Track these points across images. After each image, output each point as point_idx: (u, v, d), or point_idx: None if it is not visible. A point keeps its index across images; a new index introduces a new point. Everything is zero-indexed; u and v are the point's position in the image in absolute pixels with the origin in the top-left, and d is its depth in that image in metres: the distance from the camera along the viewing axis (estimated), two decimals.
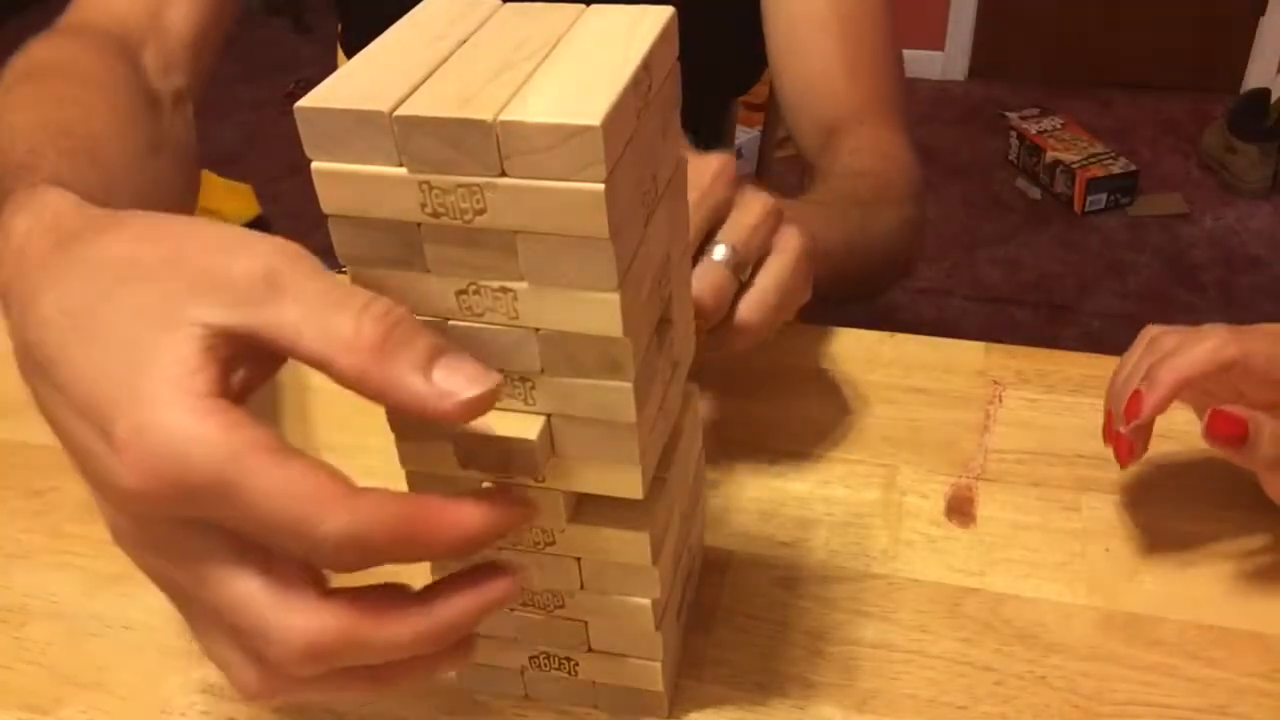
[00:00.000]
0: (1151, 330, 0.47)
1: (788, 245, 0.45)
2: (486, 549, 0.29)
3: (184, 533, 0.28)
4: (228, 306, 0.27)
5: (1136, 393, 0.44)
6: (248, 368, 0.28)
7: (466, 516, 0.28)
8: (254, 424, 0.26)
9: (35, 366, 0.29)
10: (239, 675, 0.30)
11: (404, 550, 0.27)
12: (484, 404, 0.28)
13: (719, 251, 0.43)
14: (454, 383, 0.27)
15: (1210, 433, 0.42)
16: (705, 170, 0.43)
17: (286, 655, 0.27)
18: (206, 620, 0.30)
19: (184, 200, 0.55)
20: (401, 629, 0.28)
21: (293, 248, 0.28)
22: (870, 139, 0.74)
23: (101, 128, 0.47)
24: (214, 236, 0.29)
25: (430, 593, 0.29)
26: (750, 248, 0.44)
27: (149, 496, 0.26)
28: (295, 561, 0.28)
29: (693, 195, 0.42)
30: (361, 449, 0.55)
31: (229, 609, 0.28)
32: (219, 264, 0.27)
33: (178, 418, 0.26)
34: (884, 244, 0.66)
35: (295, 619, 0.27)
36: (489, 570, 0.30)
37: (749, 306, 0.44)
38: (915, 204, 0.73)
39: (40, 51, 0.53)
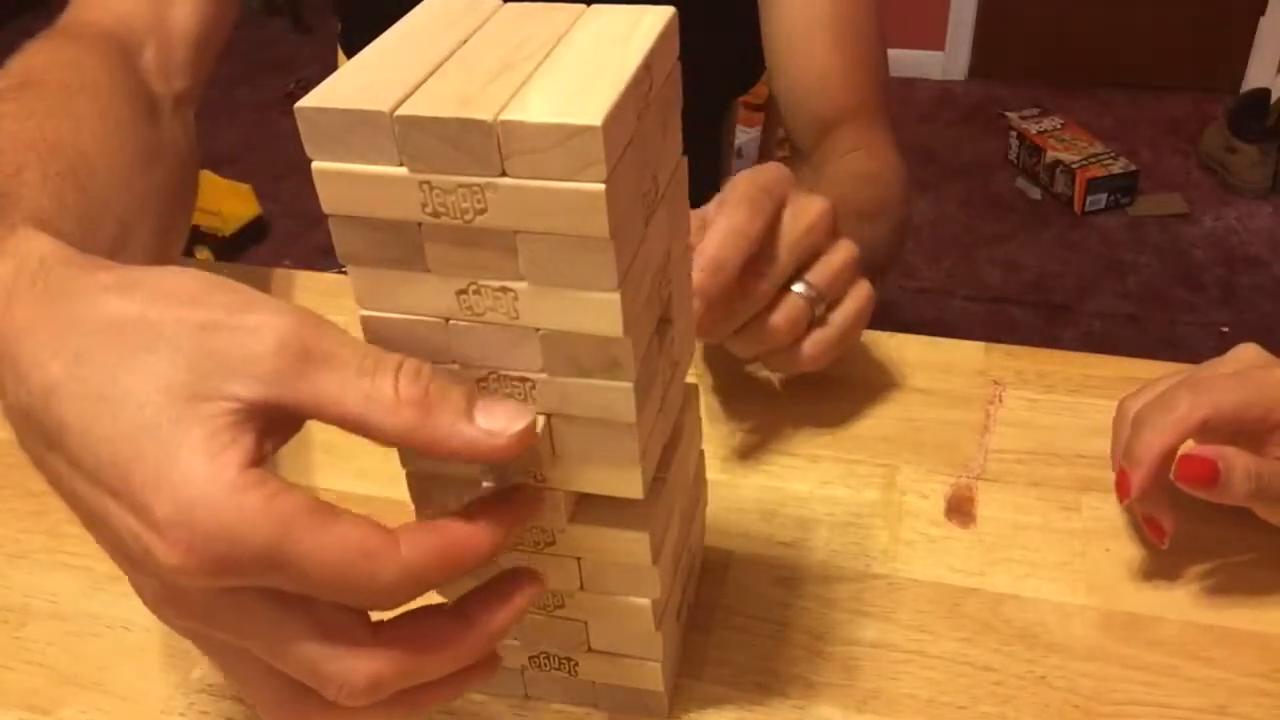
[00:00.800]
0: (1124, 406, 0.48)
1: (860, 295, 0.51)
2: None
3: (226, 599, 0.28)
4: (264, 382, 0.27)
5: (1122, 471, 0.45)
6: (275, 434, 0.29)
7: (485, 530, 0.30)
8: (290, 489, 0.27)
9: (41, 436, 0.28)
10: (290, 714, 0.31)
11: (447, 577, 0.29)
12: (529, 436, 0.29)
13: (802, 287, 0.49)
14: (497, 422, 0.29)
15: (1179, 477, 0.43)
16: (811, 209, 0.49)
17: (349, 695, 0.28)
18: (247, 669, 0.30)
19: (181, 209, 0.55)
20: (451, 650, 0.30)
21: (313, 315, 0.28)
22: (864, 141, 0.75)
23: (93, 142, 0.47)
24: (233, 304, 0.28)
25: (466, 607, 0.31)
26: (831, 291, 0.50)
27: (197, 574, 0.26)
28: (337, 604, 0.29)
29: (797, 229, 0.48)
30: (362, 449, 0.55)
31: (285, 665, 0.29)
32: (247, 337, 0.27)
33: (221, 495, 0.26)
34: (880, 254, 0.68)
35: (355, 663, 0.28)
36: (512, 578, 0.32)
37: (816, 344, 0.50)
38: (904, 206, 0.75)
39: (37, 56, 0.52)
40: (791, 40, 0.78)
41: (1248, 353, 0.47)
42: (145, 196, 0.49)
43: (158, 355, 0.27)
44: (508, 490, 0.33)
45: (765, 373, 0.59)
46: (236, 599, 0.28)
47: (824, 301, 0.50)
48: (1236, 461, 0.42)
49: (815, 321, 0.50)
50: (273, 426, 0.28)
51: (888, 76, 0.81)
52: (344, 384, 0.28)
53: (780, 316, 0.48)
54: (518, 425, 0.29)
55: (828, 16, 0.77)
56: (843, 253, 0.50)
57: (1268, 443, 0.43)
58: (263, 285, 0.69)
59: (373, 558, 0.27)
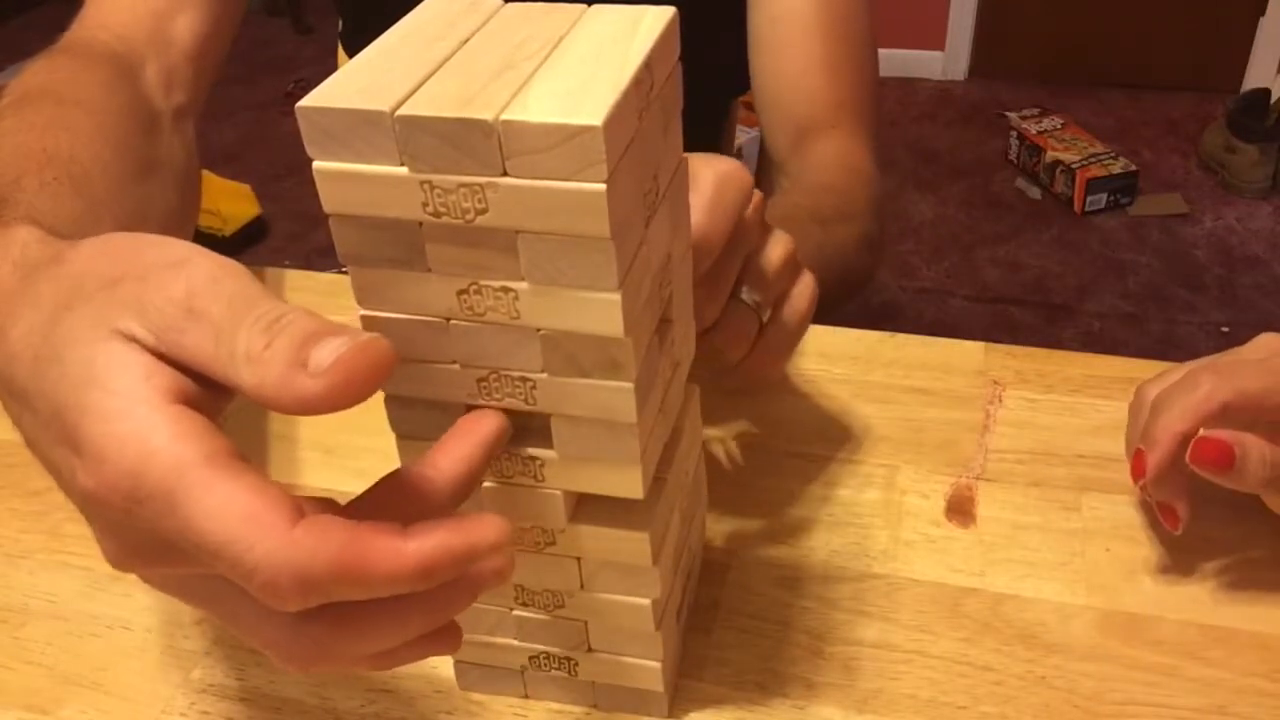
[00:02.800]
0: (1143, 390, 0.48)
1: (805, 293, 0.46)
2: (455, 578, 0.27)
3: (154, 533, 0.27)
4: (153, 332, 0.27)
5: (1139, 452, 0.44)
6: (204, 387, 0.28)
7: (416, 547, 0.26)
8: (208, 434, 0.26)
9: (13, 397, 0.30)
10: (265, 637, 0.29)
11: (347, 585, 0.25)
12: (356, 370, 0.25)
13: (746, 294, 0.44)
14: (321, 358, 0.26)
15: (1194, 459, 0.42)
16: (737, 196, 0.42)
17: (274, 592, 0.25)
18: (233, 608, 0.29)
19: (179, 220, 0.55)
20: (397, 560, 0.26)
21: (219, 268, 0.28)
22: (838, 147, 0.74)
23: (88, 153, 0.47)
24: (151, 259, 0.28)
25: (417, 529, 0.27)
26: (773, 293, 0.45)
27: (107, 503, 0.26)
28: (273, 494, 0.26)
29: (723, 218, 0.41)
30: (362, 449, 0.56)
31: (223, 571, 0.26)
32: (146, 288, 0.27)
33: (130, 428, 0.26)
34: (839, 263, 0.66)
35: (275, 548, 0.25)
36: (476, 519, 0.28)
37: (770, 354, 0.45)
38: (874, 219, 0.73)
39: (37, 76, 0.53)
40: (774, 37, 0.77)
41: (1270, 341, 0.47)
42: (142, 207, 0.49)
43: (76, 309, 0.28)
44: (474, 517, 0.28)
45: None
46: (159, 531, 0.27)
47: (769, 304, 0.45)
48: (1253, 447, 0.42)
49: (762, 328, 0.45)
50: (194, 378, 0.27)
51: (874, 78, 0.79)
52: (213, 340, 0.26)
53: (729, 331, 0.43)
54: (336, 353, 0.25)
55: (812, 15, 0.75)
56: (780, 246, 0.45)
57: None
58: (263, 285, 0.69)
59: (257, 525, 0.25)
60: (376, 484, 0.30)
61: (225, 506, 0.25)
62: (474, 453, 0.31)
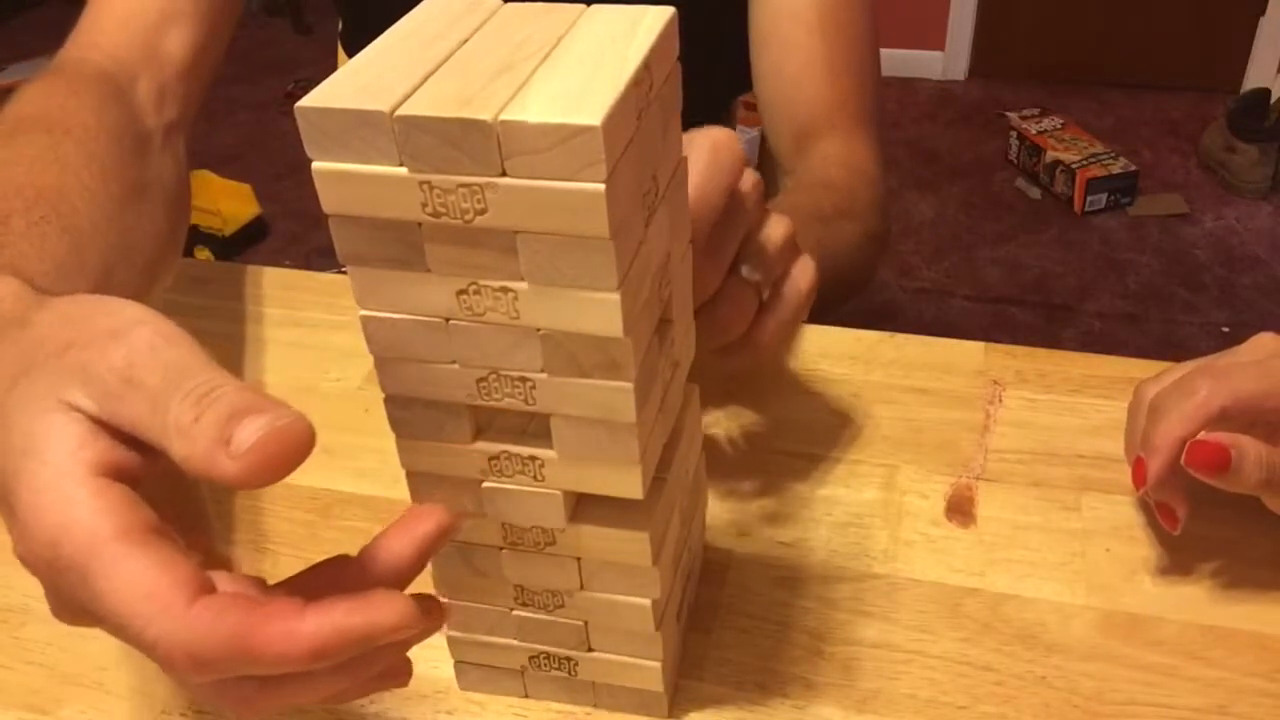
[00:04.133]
0: (1142, 390, 0.48)
1: (805, 273, 0.46)
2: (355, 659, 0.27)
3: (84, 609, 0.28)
4: (95, 400, 0.28)
5: (1139, 460, 0.44)
6: (140, 451, 0.28)
7: (312, 630, 0.26)
8: (127, 508, 0.27)
9: None
10: (200, 695, 0.31)
11: (240, 664, 0.26)
12: (274, 452, 0.26)
13: (746, 269, 0.44)
14: (242, 439, 0.26)
15: (1190, 462, 0.42)
16: (743, 182, 0.43)
17: (172, 665, 0.26)
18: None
19: (166, 241, 0.56)
20: (289, 642, 0.26)
21: (160, 336, 0.29)
22: (840, 148, 0.74)
23: (77, 184, 0.48)
24: (99, 326, 0.29)
25: (320, 607, 0.26)
26: (773, 272, 0.45)
27: (35, 569, 0.27)
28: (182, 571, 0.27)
29: (719, 178, 0.41)
30: (362, 449, 0.56)
31: (128, 639, 0.27)
32: (92, 355, 0.28)
33: (53, 498, 0.27)
34: (842, 260, 0.66)
35: (170, 629, 0.26)
36: (385, 596, 0.27)
37: (769, 332, 0.45)
38: (878, 217, 0.73)
39: (30, 103, 0.54)
40: (775, 37, 0.77)
41: (1267, 341, 0.47)
42: (130, 235, 0.51)
43: (30, 377, 0.29)
44: (376, 597, 0.27)
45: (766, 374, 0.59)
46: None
47: (769, 283, 0.45)
48: (1249, 449, 0.42)
49: (761, 306, 0.45)
50: (132, 444, 0.28)
51: (876, 78, 0.79)
52: (149, 409, 0.27)
53: (729, 306, 0.43)
54: (254, 436, 0.26)
55: (813, 15, 0.75)
56: (780, 227, 0.45)
57: None
58: (262, 285, 0.69)
59: (153, 603, 0.26)
60: (316, 565, 0.31)
61: (128, 582, 0.26)
62: (416, 549, 0.30)
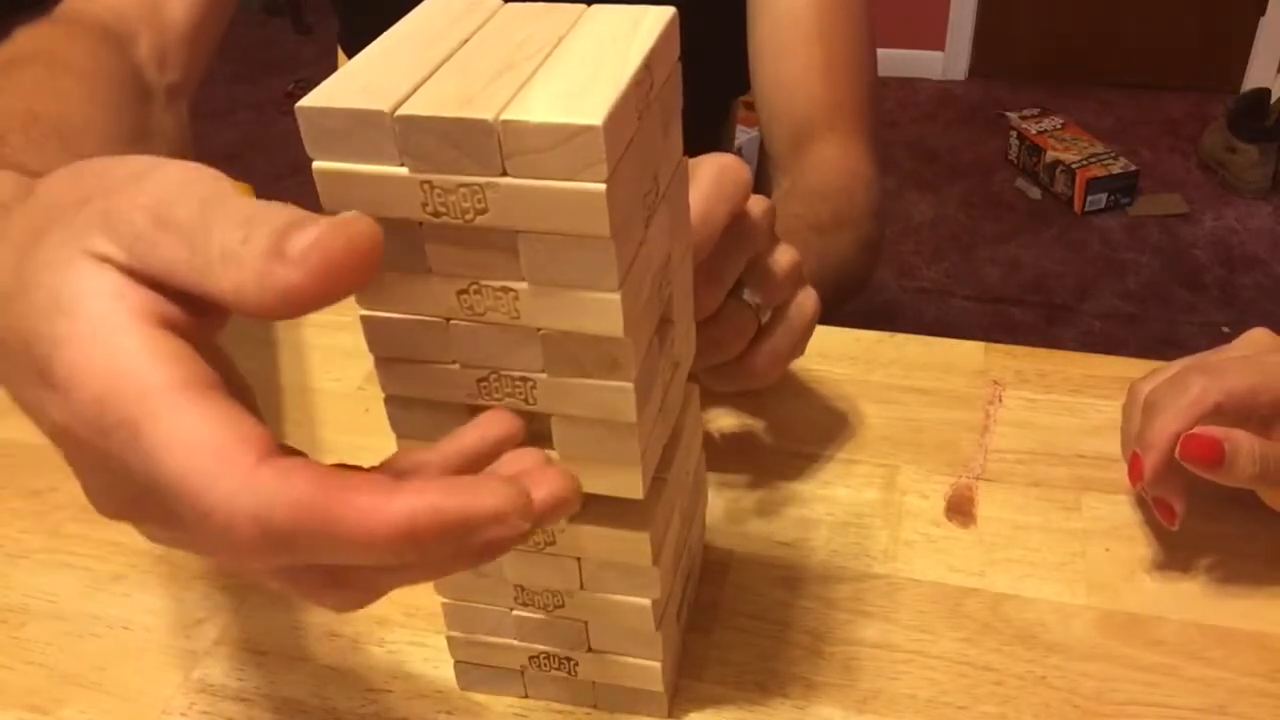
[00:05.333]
0: (1135, 389, 0.48)
1: (806, 304, 0.47)
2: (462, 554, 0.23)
3: (134, 485, 0.24)
4: (123, 246, 0.24)
5: (1135, 456, 0.45)
6: (184, 307, 0.25)
7: (402, 506, 0.22)
8: (184, 358, 0.23)
9: None
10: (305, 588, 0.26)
11: (314, 541, 0.22)
12: (330, 253, 0.22)
13: (747, 294, 0.45)
14: (296, 244, 0.22)
15: (1184, 455, 0.43)
16: (752, 208, 0.44)
17: (231, 535, 0.22)
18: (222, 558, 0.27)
19: None
20: (375, 521, 0.22)
21: (188, 171, 0.25)
22: (837, 151, 0.74)
23: (79, 115, 0.45)
24: (118, 173, 0.26)
25: (410, 486, 0.23)
26: (775, 299, 0.46)
27: (77, 438, 0.24)
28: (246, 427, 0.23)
29: (740, 230, 0.42)
30: (361, 449, 0.56)
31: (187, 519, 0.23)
32: (117, 201, 0.25)
33: (98, 350, 0.23)
34: (839, 272, 0.67)
35: (233, 485, 0.22)
36: (480, 479, 0.24)
37: (765, 356, 0.46)
38: (874, 221, 0.73)
39: (24, 41, 0.51)
40: (774, 39, 0.78)
41: (1259, 336, 0.47)
42: None
43: (43, 239, 0.25)
44: (474, 480, 0.24)
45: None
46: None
47: (769, 309, 0.46)
48: (1243, 443, 0.42)
49: (760, 332, 0.46)
50: (172, 297, 0.25)
51: (874, 81, 0.80)
52: (186, 247, 0.24)
53: (726, 327, 0.44)
54: (313, 235, 0.22)
55: (811, 17, 0.76)
56: (786, 256, 0.45)
57: (1276, 425, 0.43)
58: None
59: (218, 460, 0.22)
60: (386, 461, 0.28)
61: (188, 436, 0.22)
62: (481, 448, 0.29)
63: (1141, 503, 0.50)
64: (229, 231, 0.23)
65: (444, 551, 0.23)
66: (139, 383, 0.23)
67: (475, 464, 0.29)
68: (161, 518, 0.25)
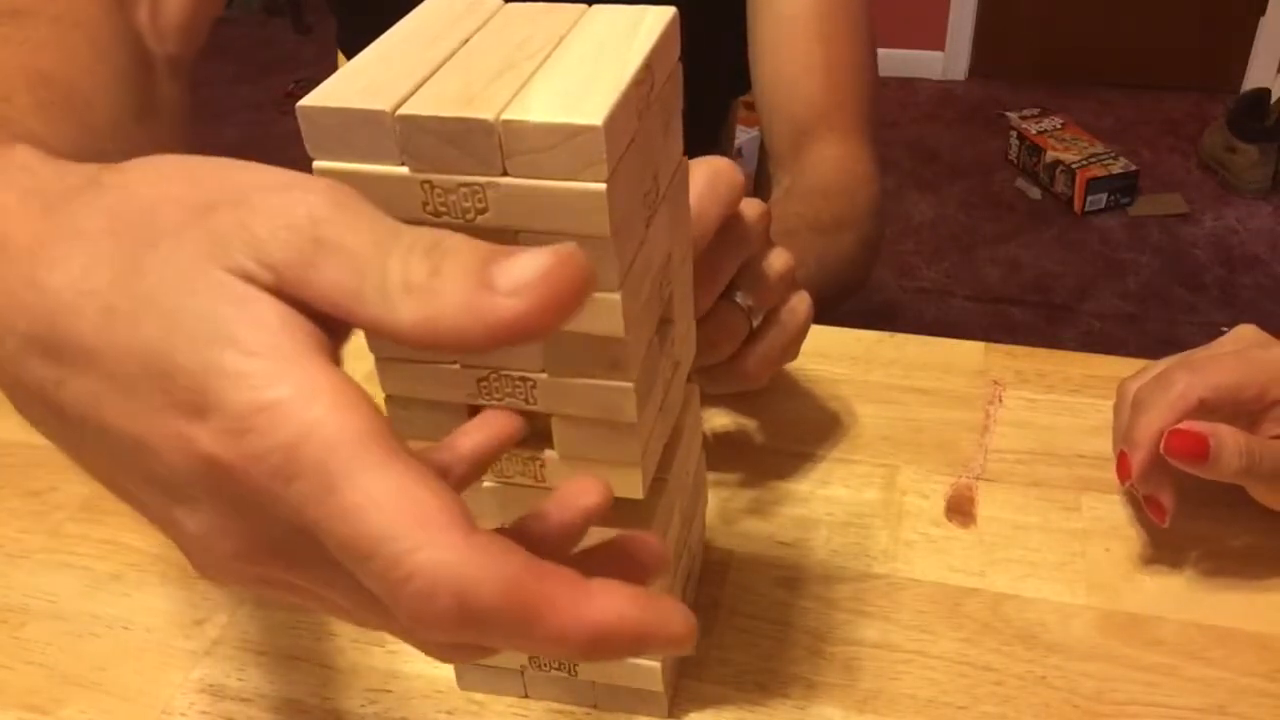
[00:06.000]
0: (1124, 387, 0.48)
1: (799, 308, 0.47)
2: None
3: (290, 533, 0.23)
4: (272, 267, 0.22)
5: (1123, 454, 0.45)
6: (328, 330, 0.23)
7: (599, 611, 0.21)
8: (368, 406, 0.22)
9: (52, 359, 0.24)
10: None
11: (509, 626, 0.21)
12: (561, 284, 0.22)
13: (740, 296, 0.44)
14: (515, 274, 0.22)
15: (1169, 451, 0.43)
16: (748, 211, 0.44)
17: (428, 603, 0.21)
18: (338, 600, 0.25)
19: None
20: (573, 622, 0.21)
21: (342, 191, 0.24)
22: (837, 150, 0.74)
23: (87, 80, 0.42)
24: (246, 181, 0.24)
25: (604, 588, 0.22)
26: (767, 302, 0.46)
27: (242, 479, 0.22)
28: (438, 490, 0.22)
29: (735, 233, 0.42)
30: None
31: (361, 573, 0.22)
32: (253, 218, 0.23)
33: (284, 393, 0.21)
34: (838, 272, 0.67)
35: (443, 556, 0.21)
36: (667, 600, 0.23)
37: (756, 359, 0.46)
38: (874, 220, 0.73)
39: None
40: (775, 38, 0.78)
41: (1247, 332, 0.47)
42: (145, 151, 0.46)
43: (161, 250, 0.23)
44: (662, 601, 0.23)
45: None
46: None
47: (761, 312, 0.46)
48: (1227, 437, 0.42)
49: (752, 334, 0.46)
50: (322, 322, 0.23)
51: (874, 80, 0.80)
52: (354, 274, 0.22)
53: (717, 328, 0.43)
54: (538, 267, 0.21)
55: (812, 16, 0.76)
56: (780, 260, 0.45)
57: (1263, 420, 0.44)
58: None
59: (427, 525, 0.20)
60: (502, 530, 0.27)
61: (394, 496, 0.21)
62: (489, 446, 0.29)
63: (1139, 502, 0.50)
64: (412, 264, 0.22)
65: (610, 653, 0.22)
66: (333, 433, 0.21)
67: (482, 464, 0.29)
68: (310, 573, 0.24)
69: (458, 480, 0.29)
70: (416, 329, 0.22)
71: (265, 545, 0.24)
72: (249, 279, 0.22)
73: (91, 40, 0.46)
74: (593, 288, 0.22)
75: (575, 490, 0.28)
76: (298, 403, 0.21)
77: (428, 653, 0.26)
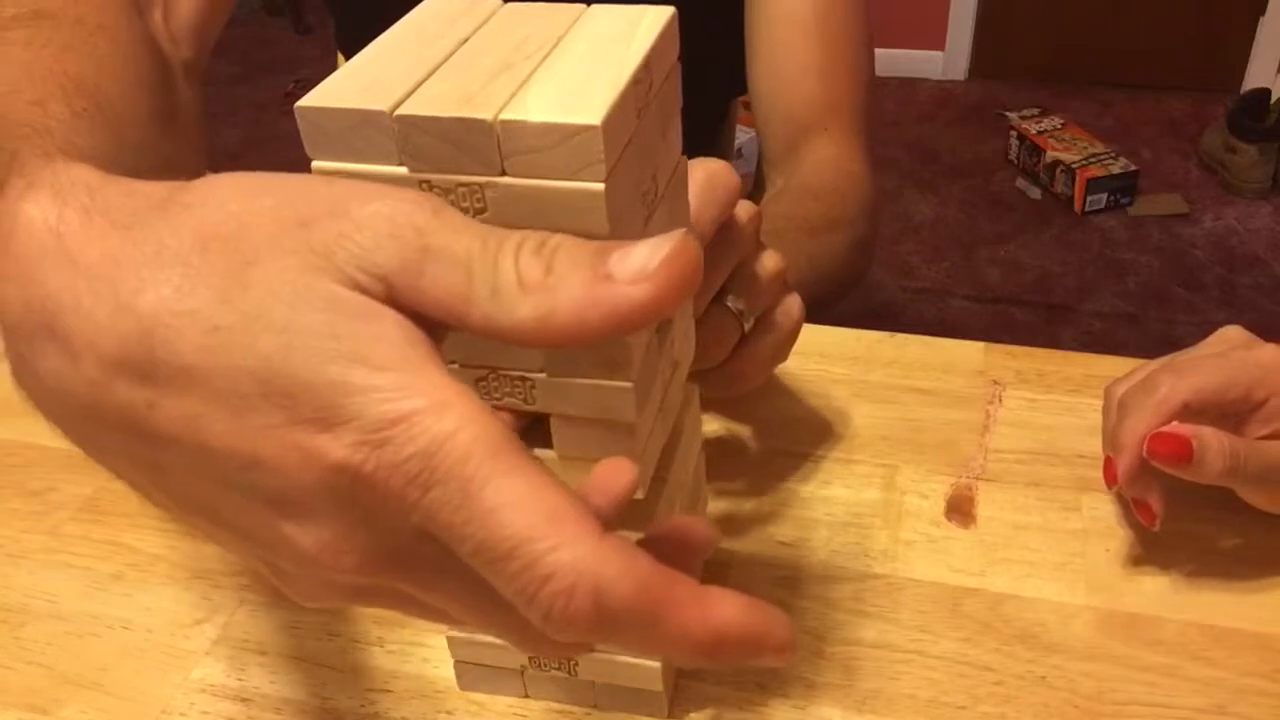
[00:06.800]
0: (1111, 390, 0.48)
1: (792, 310, 0.46)
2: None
3: (419, 541, 0.23)
4: (382, 278, 0.23)
5: (1109, 459, 0.45)
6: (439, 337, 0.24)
7: (721, 616, 0.22)
8: (492, 414, 0.22)
9: (147, 381, 0.23)
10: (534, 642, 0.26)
11: (639, 623, 0.22)
12: (682, 265, 0.23)
13: (731, 300, 0.44)
14: (635, 263, 0.23)
15: (1152, 454, 0.43)
16: (739, 214, 0.43)
17: (568, 601, 0.21)
18: (465, 610, 0.26)
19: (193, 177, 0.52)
20: (698, 623, 0.22)
21: (432, 200, 0.24)
22: (832, 150, 0.74)
23: (115, 87, 0.41)
24: (334, 194, 0.24)
25: (720, 596, 0.23)
26: (759, 305, 0.45)
27: (378, 489, 0.22)
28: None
29: (727, 236, 0.42)
30: None
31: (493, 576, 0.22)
32: (353, 230, 0.23)
33: (417, 405, 0.22)
34: (829, 273, 0.67)
35: (583, 552, 0.21)
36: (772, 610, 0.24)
37: (750, 363, 0.45)
38: (866, 221, 0.73)
39: None
40: (771, 37, 0.78)
41: (1231, 334, 0.47)
42: (173, 155, 0.45)
43: (267, 266, 0.23)
44: (767, 610, 0.24)
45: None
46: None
47: (753, 316, 0.45)
48: (1211, 440, 0.42)
49: (744, 338, 0.45)
50: (431, 329, 0.24)
51: (869, 80, 0.80)
52: (464, 277, 0.23)
53: (710, 334, 0.43)
54: (660, 254, 0.23)
55: (809, 15, 0.76)
56: (770, 263, 0.45)
57: (1249, 422, 0.44)
58: None
59: (564, 524, 0.21)
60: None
61: (529, 500, 0.21)
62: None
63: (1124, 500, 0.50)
64: (526, 262, 0.23)
65: (723, 657, 0.23)
66: (467, 442, 0.22)
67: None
68: (426, 580, 0.25)
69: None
70: (537, 325, 0.23)
71: (386, 554, 0.24)
72: (362, 290, 0.23)
73: (115, 44, 0.45)
74: (701, 271, 0.23)
75: (609, 472, 0.28)
76: (431, 413, 0.22)
77: (540, 653, 0.26)
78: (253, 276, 0.23)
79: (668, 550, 0.27)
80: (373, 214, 0.23)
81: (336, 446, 0.22)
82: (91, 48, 0.43)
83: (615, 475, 0.28)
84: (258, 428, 0.23)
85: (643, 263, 0.23)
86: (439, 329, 0.24)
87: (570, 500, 0.22)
